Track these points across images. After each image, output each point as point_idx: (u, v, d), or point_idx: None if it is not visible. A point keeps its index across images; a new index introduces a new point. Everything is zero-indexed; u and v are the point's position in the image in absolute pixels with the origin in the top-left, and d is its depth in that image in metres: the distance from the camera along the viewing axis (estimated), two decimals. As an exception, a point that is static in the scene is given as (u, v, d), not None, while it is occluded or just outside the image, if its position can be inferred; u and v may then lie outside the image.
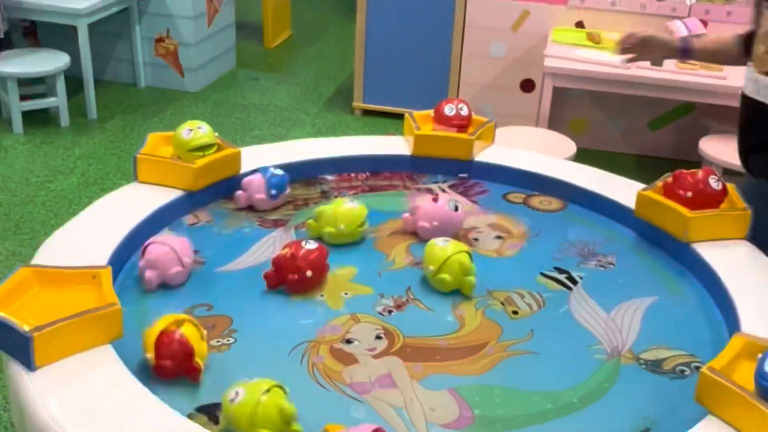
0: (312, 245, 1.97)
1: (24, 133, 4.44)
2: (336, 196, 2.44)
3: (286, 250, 1.95)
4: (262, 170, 2.32)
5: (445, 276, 1.96)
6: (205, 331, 1.72)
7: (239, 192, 2.32)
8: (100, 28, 4.99)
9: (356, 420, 1.58)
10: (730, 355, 1.63)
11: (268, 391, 1.49)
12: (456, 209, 2.19)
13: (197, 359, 1.65)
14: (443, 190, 2.52)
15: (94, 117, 4.73)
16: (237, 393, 1.49)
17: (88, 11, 4.50)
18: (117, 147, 4.42)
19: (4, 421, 2.46)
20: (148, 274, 1.93)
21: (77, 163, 4.22)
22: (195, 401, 1.61)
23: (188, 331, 1.66)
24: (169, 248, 1.95)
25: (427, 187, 2.52)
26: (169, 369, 1.63)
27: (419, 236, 2.19)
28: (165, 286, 1.95)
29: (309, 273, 1.94)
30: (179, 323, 1.67)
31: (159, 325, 1.65)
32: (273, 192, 2.30)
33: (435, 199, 2.24)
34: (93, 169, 4.18)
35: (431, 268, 1.97)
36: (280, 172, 2.33)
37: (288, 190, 2.35)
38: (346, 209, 2.16)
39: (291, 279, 1.93)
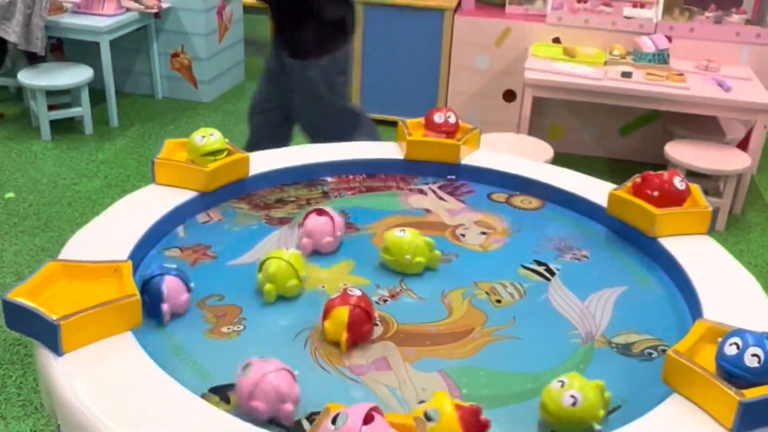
0: (356, 291, 1.78)
1: (52, 140, 4.43)
2: (336, 196, 2.44)
3: (345, 308, 1.73)
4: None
5: (421, 259, 1.98)
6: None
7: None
8: (120, 44, 4.97)
9: (355, 399, 1.57)
10: (693, 340, 1.63)
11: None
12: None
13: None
14: (433, 191, 2.52)
15: (116, 125, 4.72)
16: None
17: (110, 29, 4.49)
18: (136, 152, 4.41)
19: (35, 402, 2.46)
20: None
21: (100, 167, 4.21)
22: (208, 383, 1.61)
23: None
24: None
25: (418, 188, 2.52)
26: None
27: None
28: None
29: (376, 315, 1.81)
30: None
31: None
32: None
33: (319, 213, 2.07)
34: (114, 172, 4.17)
35: (408, 257, 1.97)
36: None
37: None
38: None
39: (366, 330, 1.77)
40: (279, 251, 1.91)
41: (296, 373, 1.54)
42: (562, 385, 1.51)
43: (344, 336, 1.71)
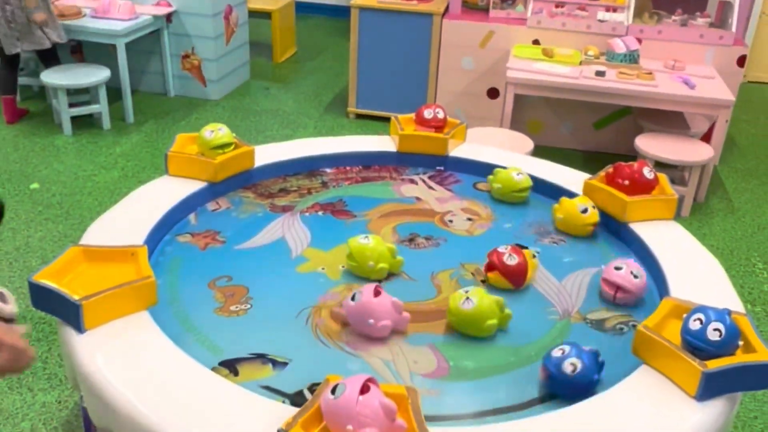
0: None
1: (72, 135, 4.41)
2: (334, 186, 2.43)
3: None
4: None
5: (384, 265, 1.91)
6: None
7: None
8: (135, 47, 4.95)
9: (352, 371, 1.58)
10: (660, 316, 1.64)
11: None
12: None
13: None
14: (424, 181, 2.51)
15: (131, 121, 4.70)
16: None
17: (125, 32, 4.46)
18: (150, 146, 4.39)
19: (59, 375, 2.46)
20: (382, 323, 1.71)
21: (117, 160, 4.19)
22: (218, 357, 1.61)
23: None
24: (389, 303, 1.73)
25: (410, 178, 2.52)
26: None
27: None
28: (186, 263, 1.94)
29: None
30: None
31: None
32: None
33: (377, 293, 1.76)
34: (131, 164, 4.15)
35: (372, 263, 1.89)
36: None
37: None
38: (509, 176, 2.33)
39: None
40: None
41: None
42: (466, 292, 1.71)
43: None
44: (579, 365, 1.51)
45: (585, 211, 2.14)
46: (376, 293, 1.66)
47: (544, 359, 1.56)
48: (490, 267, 1.91)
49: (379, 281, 1.87)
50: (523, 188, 2.34)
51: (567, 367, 1.51)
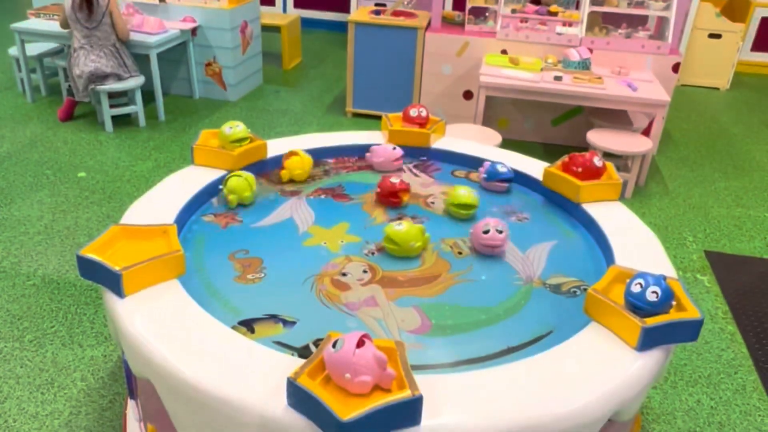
0: (395, 180, 2.15)
1: (113, 132, 4.37)
2: (334, 174, 2.42)
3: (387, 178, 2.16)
4: (492, 163, 2.31)
5: (420, 243, 1.90)
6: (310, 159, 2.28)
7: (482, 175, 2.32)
8: (165, 56, 4.90)
9: (350, 328, 1.58)
10: (607, 280, 1.64)
11: (238, 176, 1.95)
12: (486, 232, 1.89)
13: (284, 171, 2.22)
14: (410, 169, 2.50)
15: (163, 119, 4.66)
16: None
17: (157, 44, 4.41)
18: (179, 140, 4.36)
19: (105, 333, 2.46)
20: (367, 154, 2.41)
21: (151, 152, 4.15)
22: (238, 317, 1.61)
23: (293, 160, 2.24)
24: (380, 148, 2.38)
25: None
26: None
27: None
28: (211, 237, 1.93)
29: (378, 190, 2.17)
30: (295, 154, 2.24)
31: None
32: (485, 176, 2.30)
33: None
34: (163, 156, 4.11)
35: (413, 243, 1.87)
36: (504, 169, 2.28)
37: (505, 185, 2.30)
38: (456, 192, 2.11)
39: (377, 192, 2.16)
40: (239, 173, 2.09)
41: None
42: (399, 223, 1.88)
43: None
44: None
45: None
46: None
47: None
48: (390, 194, 2.13)
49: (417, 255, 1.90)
50: (464, 204, 2.09)
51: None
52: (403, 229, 1.88)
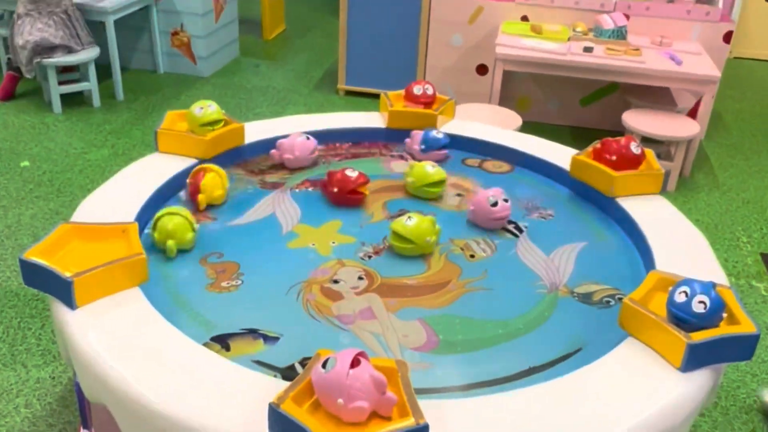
0: (353, 173, 2.12)
1: (63, 113, 4.36)
2: (324, 162, 2.42)
3: (338, 171, 2.14)
4: (425, 130, 2.43)
5: (434, 238, 1.93)
6: (227, 183, 2.10)
7: (407, 140, 2.46)
8: (124, 24, 4.88)
9: (343, 345, 1.58)
10: (646, 289, 1.64)
11: (172, 214, 1.84)
12: (494, 204, 2.03)
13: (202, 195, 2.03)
14: (413, 157, 2.50)
15: (121, 99, 4.65)
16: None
17: (114, 9, 4.40)
18: (141, 123, 4.35)
19: (53, 351, 2.46)
20: (272, 151, 2.33)
21: (108, 137, 4.15)
22: (210, 332, 1.61)
23: (210, 177, 2.06)
24: (290, 141, 2.29)
25: (399, 154, 2.51)
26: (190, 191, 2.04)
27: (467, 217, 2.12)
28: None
29: (335, 189, 2.09)
30: (210, 170, 2.06)
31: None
32: (423, 147, 2.42)
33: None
34: (121, 142, 4.11)
35: (429, 238, 1.91)
36: (440, 135, 2.42)
37: (444, 152, 2.44)
38: (423, 169, 2.19)
39: (329, 191, 2.13)
40: (171, 209, 1.88)
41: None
42: (408, 217, 1.89)
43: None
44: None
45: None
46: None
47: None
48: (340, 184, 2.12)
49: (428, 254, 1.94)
50: (435, 182, 2.18)
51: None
52: (414, 223, 1.89)
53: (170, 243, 1.84)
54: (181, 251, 1.89)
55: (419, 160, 2.31)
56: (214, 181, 2.08)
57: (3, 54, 4.72)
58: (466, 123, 2.66)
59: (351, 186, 2.10)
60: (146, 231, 1.91)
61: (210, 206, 2.11)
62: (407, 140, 2.45)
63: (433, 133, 2.41)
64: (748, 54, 6.06)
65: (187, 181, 2.08)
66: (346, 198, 2.11)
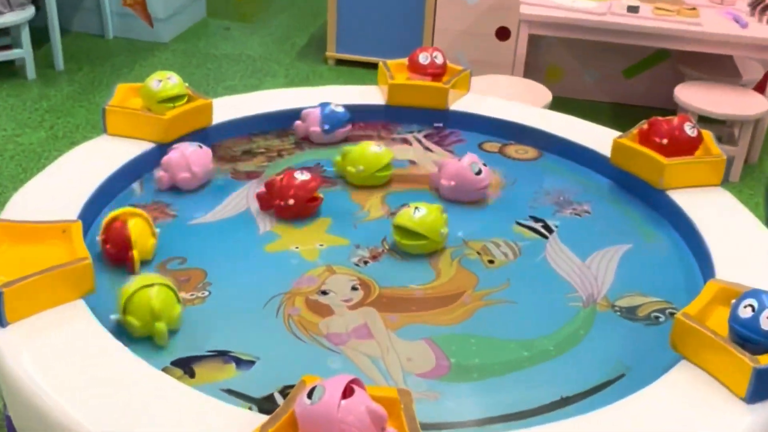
0: (304, 176, 2.02)
1: (-11, 86, 4.37)
2: (310, 147, 2.42)
3: (280, 176, 2.03)
4: (321, 105, 2.42)
5: (445, 229, 1.96)
6: (157, 230, 1.90)
7: (297, 122, 2.44)
8: (65, -23, 4.90)
9: (333, 371, 1.58)
10: (704, 301, 1.64)
11: (151, 286, 1.62)
12: (479, 173, 2.14)
13: (134, 251, 1.81)
14: (419, 141, 2.50)
15: (62, 69, 4.66)
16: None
17: (52, -41, 4.41)
18: (86, 99, 4.36)
19: (-23, 377, 2.46)
20: (159, 173, 2.15)
21: (45, 117, 4.16)
22: (170, 355, 1.61)
23: (136, 224, 1.84)
24: (180, 154, 2.11)
25: (402, 137, 2.51)
26: (109, 253, 1.83)
27: (441, 194, 2.19)
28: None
29: (291, 201, 2.01)
30: (131, 215, 1.85)
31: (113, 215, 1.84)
32: (326, 127, 2.40)
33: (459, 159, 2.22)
34: (61, 122, 4.12)
35: (443, 231, 1.95)
36: (340, 109, 2.42)
37: (348, 128, 2.46)
38: (370, 152, 2.20)
39: (276, 204, 2.02)
40: (145, 279, 1.66)
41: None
42: (417, 208, 1.90)
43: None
44: None
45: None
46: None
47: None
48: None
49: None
50: (387, 164, 2.22)
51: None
52: (424, 214, 1.91)
53: (160, 327, 1.62)
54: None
55: (325, 144, 2.42)
56: (143, 229, 1.86)
57: None
58: (483, 99, 2.66)
59: (311, 192, 2.04)
60: (97, 239, 1.88)
61: (171, 200, 2.11)
62: (298, 123, 2.45)
63: (332, 107, 2.42)
64: (829, 14, 6.06)
65: (99, 238, 1.85)
66: (305, 208, 2.05)
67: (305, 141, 2.44)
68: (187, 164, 2.14)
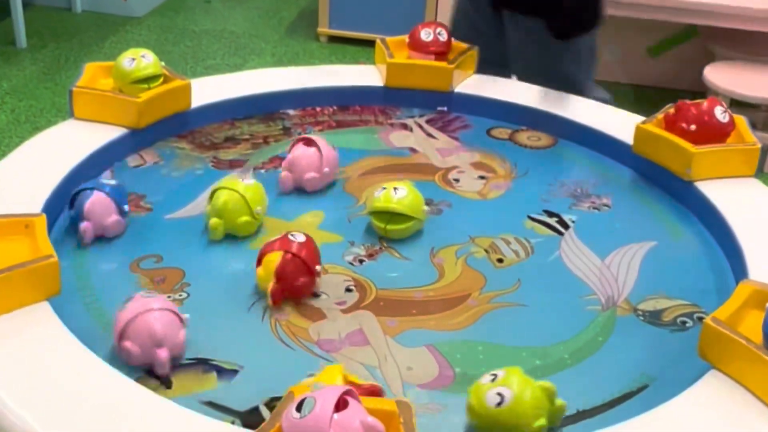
0: (300, 237, 1.80)
1: (-57, 65, 4.36)
2: (300, 133, 2.42)
3: (278, 254, 1.75)
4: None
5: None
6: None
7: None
8: (27, -56, 4.89)
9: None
10: (736, 305, 1.64)
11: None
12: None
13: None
14: (420, 126, 2.50)
15: (24, 46, 4.65)
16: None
17: (14, -76, 4.40)
18: (51, 80, 4.36)
19: (-69, 388, 2.46)
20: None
21: (5, 99, 4.16)
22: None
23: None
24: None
25: (401, 122, 2.51)
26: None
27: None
28: (104, 238, 1.93)
29: (319, 268, 1.79)
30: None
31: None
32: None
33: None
34: (24, 105, 4.12)
35: (425, 208, 1.98)
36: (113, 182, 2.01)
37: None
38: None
39: (303, 283, 1.78)
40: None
41: (185, 317, 1.61)
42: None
43: (271, 285, 1.73)
44: None
45: None
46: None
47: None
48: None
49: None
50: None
51: None
52: (405, 193, 1.93)
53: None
54: (108, 249, 1.89)
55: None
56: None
57: None
58: (491, 80, 2.66)
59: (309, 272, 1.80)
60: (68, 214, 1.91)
61: (146, 192, 2.10)
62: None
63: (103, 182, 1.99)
64: None
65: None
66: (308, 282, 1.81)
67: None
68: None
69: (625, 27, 4.51)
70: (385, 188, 1.97)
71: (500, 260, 1.96)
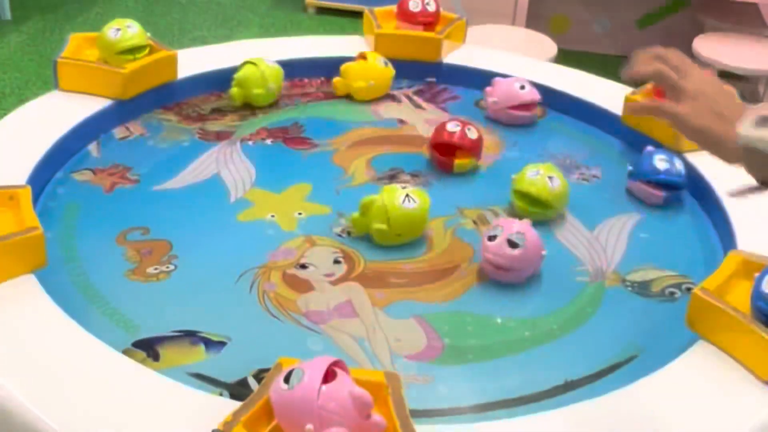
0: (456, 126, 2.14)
1: (-73, 37, 4.33)
2: (287, 105, 2.41)
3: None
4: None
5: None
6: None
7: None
8: None
9: (313, 352, 1.58)
10: (724, 275, 1.65)
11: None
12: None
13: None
14: (408, 97, 2.50)
15: (8, 17, 4.62)
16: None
17: None
18: (35, 51, 4.33)
19: None
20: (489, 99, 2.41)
21: (-10, 71, 4.13)
22: (132, 335, 1.60)
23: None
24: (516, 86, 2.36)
25: (389, 93, 2.50)
26: None
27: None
28: (89, 212, 1.92)
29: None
30: None
31: None
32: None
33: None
34: (8, 77, 4.09)
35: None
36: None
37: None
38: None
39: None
40: (259, 59, 2.33)
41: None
42: (407, 199, 1.83)
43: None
44: None
45: None
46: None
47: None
48: (449, 149, 2.14)
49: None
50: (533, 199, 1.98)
51: None
52: (418, 206, 1.84)
53: (235, 90, 2.33)
54: (93, 225, 1.88)
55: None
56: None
57: None
58: (480, 51, 2.65)
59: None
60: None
61: (133, 164, 2.09)
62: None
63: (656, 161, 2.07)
64: None
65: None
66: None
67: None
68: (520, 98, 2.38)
69: (615, -2, 4.51)
70: (539, 172, 1.96)
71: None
